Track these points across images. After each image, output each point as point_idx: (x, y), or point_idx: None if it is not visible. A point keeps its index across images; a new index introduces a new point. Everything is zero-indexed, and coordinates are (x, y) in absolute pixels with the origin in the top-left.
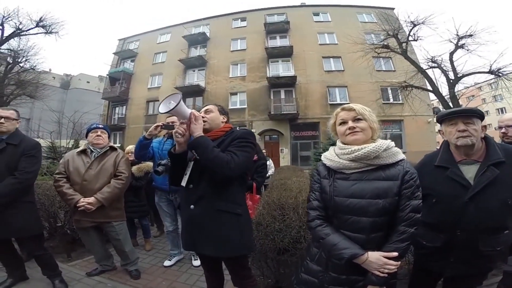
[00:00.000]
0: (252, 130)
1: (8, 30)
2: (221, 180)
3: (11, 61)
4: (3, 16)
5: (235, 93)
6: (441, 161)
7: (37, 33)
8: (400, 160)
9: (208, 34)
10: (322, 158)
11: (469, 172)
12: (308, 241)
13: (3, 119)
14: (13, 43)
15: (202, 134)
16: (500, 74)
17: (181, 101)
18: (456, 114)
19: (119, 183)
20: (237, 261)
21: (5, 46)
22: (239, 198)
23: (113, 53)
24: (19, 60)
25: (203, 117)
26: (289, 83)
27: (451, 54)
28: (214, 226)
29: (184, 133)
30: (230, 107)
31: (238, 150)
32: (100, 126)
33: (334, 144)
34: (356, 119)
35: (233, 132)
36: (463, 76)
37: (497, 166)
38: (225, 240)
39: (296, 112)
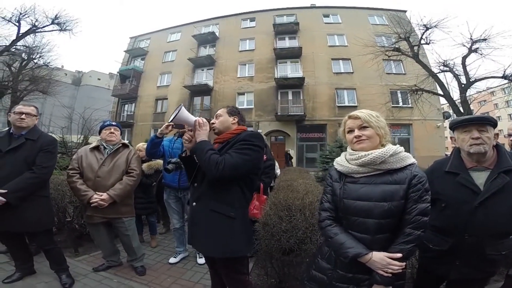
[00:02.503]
0: (259, 131)
1: (24, 27)
2: (215, 181)
3: (26, 58)
4: (20, 13)
5: (243, 93)
6: (451, 167)
7: (52, 30)
8: (409, 165)
9: (217, 34)
10: (334, 163)
11: (479, 178)
12: (319, 241)
13: (24, 115)
14: (28, 39)
15: (204, 139)
16: None
17: (182, 110)
18: (471, 121)
19: (131, 180)
20: (229, 263)
21: (20, 42)
22: (238, 201)
23: (124, 51)
24: (34, 57)
25: (212, 123)
26: (297, 84)
27: (464, 58)
28: (206, 225)
29: (191, 139)
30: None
31: (235, 152)
32: (114, 123)
33: (341, 146)
34: (362, 127)
35: (240, 134)
36: (476, 80)
37: (507, 173)
38: (214, 240)
39: (303, 113)
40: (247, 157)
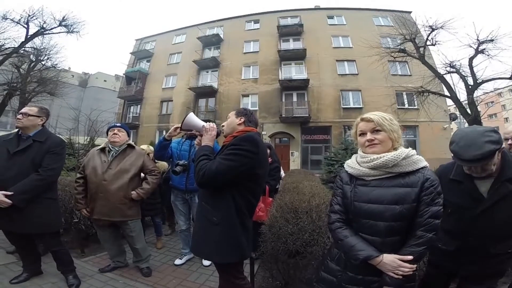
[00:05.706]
0: (263, 133)
1: (32, 29)
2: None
3: (34, 59)
4: (29, 15)
5: (247, 95)
6: (456, 175)
7: (59, 32)
8: (422, 168)
9: (222, 36)
10: (345, 165)
11: (483, 186)
12: (326, 243)
13: (21, 115)
14: (37, 41)
15: (207, 144)
16: None
17: (188, 116)
18: (473, 164)
19: (155, 178)
20: (220, 265)
21: (29, 44)
22: (225, 207)
23: (130, 53)
24: (42, 58)
25: (222, 125)
26: (301, 86)
27: (471, 59)
28: (197, 225)
29: (200, 143)
30: None
31: (221, 157)
32: (118, 124)
33: (346, 149)
34: (375, 131)
35: (236, 137)
36: (483, 82)
37: (511, 181)
38: (195, 240)
39: (308, 115)
40: (232, 163)
